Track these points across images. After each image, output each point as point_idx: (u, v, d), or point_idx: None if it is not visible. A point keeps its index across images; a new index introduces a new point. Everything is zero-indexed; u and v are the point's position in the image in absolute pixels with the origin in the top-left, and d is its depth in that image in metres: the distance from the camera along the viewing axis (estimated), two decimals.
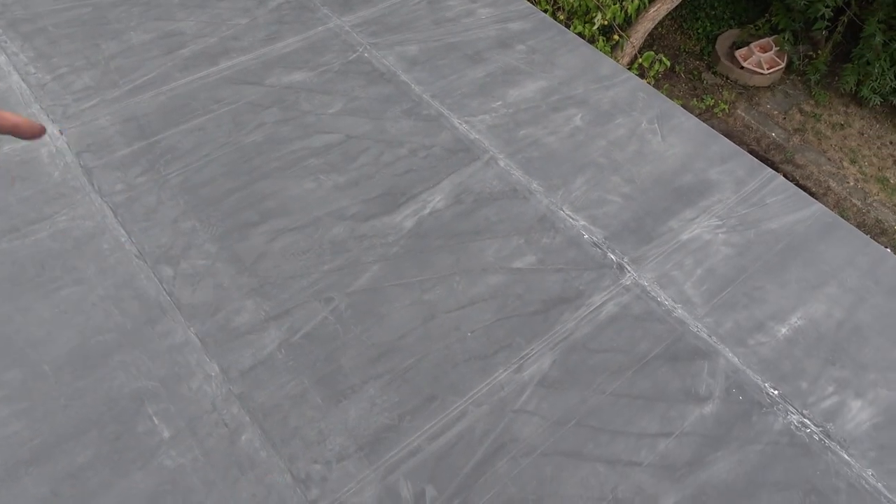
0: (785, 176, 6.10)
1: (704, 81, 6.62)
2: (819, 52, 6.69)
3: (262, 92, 2.26)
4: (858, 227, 5.95)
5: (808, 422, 1.63)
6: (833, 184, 5.91)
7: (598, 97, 2.36)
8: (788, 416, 1.64)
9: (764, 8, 7.08)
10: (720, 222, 2.02)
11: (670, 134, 2.26)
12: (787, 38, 6.48)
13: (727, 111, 6.11)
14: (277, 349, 1.66)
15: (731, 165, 2.18)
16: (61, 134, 2.04)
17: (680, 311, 1.81)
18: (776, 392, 1.68)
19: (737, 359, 1.73)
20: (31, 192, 1.93)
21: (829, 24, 6.34)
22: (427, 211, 1.98)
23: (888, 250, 2.01)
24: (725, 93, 6.40)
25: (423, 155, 2.13)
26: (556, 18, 4.54)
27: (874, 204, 5.78)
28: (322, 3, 2.60)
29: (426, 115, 2.25)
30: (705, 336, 1.76)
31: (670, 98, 6.09)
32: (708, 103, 6.07)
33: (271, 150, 2.09)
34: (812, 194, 5.97)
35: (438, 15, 2.61)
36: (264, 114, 2.20)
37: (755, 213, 2.05)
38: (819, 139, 6.35)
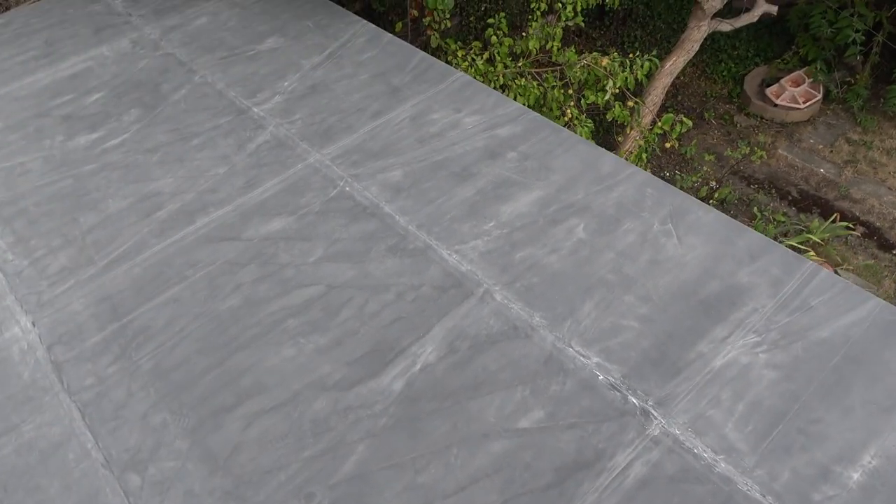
0: (842, 214, 5.63)
1: (738, 125, 6.28)
2: (857, 76, 6.29)
3: (239, 248, 2.13)
4: None
5: None
6: None
7: (602, 201, 2.13)
8: None
9: (788, 41, 6.76)
10: (759, 338, 1.72)
11: (688, 234, 2.00)
12: (819, 67, 6.14)
13: (765, 157, 5.74)
14: None
15: (764, 263, 1.90)
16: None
17: (723, 465, 1.50)
18: None
19: None
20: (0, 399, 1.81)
21: (863, 46, 5.98)
22: (418, 367, 1.76)
23: None
24: (762, 136, 6.04)
25: (412, 298, 1.93)
26: (565, 94, 4.38)
27: None
28: (301, 138, 2.50)
29: (412, 249, 2.06)
30: (758, 496, 1.45)
31: (705, 151, 5.70)
32: (743, 151, 5.72)
33: (248, 316, 1.93)
34: (878, 229, 5.47)
35: (422, 132, 2.46)
36: (241, 273, 2.05)
37: (800, 321, 1.75)
38: (874, 168, 5.87)
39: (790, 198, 5.68)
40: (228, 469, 1.61)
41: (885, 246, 5.29)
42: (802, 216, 5.56)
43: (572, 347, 1.76)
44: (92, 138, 2.64)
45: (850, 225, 5.36)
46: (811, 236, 5.11)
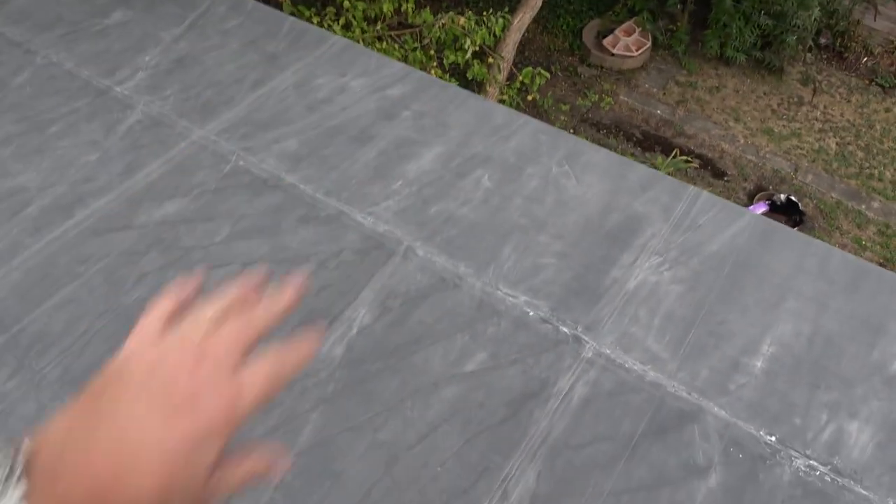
0: (680, 149, 6.24)
1: (581, 75, 6.70)
2: (678, 24, 6.92)
3: (133, 237, 1.97)
4: (759, 181, 6.16)
5: (815, 462, 1.52)
6: (725, 145, 6.10)
7: (501, 150, 2.21)
8: (794, 463, 1.52)
9: None
10: (661, 258, 1.91)
11: (584, 173, 2.14)
12: (645, 17, 6.67)
13: (612, 103, 6.19)
14: None
15: (654, 192, 2.08)
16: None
17: (652, 374, 1.67)
18: (773, 438, 1.56)
19: (724, 411, 1.60)
20: None
21: None
22: (355, 331, 1.76)
23: (830, 246, 1.95)
24: (606, 84, 6.49)
25: (334, 265, 1.90)
26: (426, 55, 4.42)
27: (767, 155, 6.00)
28: (178, 115, 2.33)
29: (325, 216, 2.03)
30: (685, 394, 1.63)
31: (558, 102, 6.08)
32: (593, 99, 6.13)
33: None
34: (710, 160, 6.14)
35: (310, 98, 2.40)
36: (143, 262, 1.91)
37: (693, 238, 1.95)
38: (701, 105, 6.54)
39: (635, 139, 6.19)
40: None
41: (718, 174, 5.94)
42: (648, 154, 6.09)
43: (500, 290, 1.84)
44: None
45: (688, 158, 5.96)
46: (658, 171, 5.62)
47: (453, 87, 2.45)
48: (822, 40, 7.63)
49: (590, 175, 2.13)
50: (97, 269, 1.90)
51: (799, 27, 6.41)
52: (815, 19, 6.21)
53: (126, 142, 2.25)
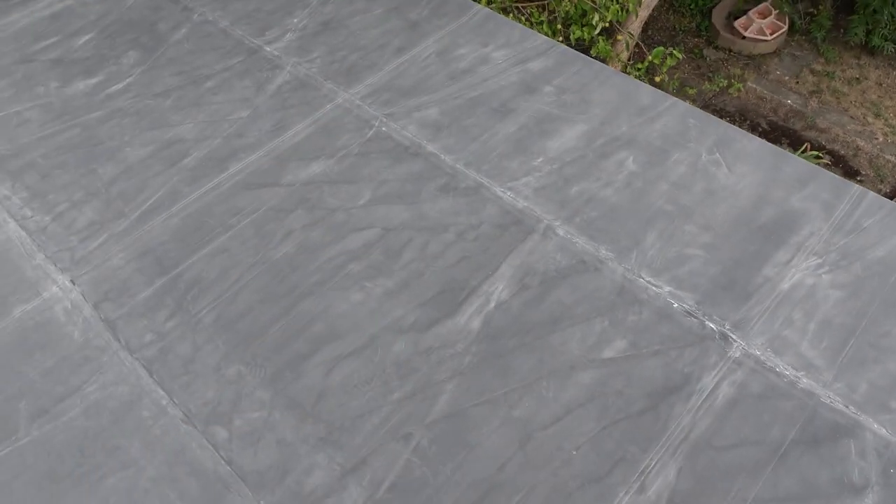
0: (810, 144, 5.83)
1: (707, 58, 6.36)
2: (820, 7, 6.42)
3: (282, 194, 2.05)
4: None
5: None
6: (861, 142, 5.65)
7: (647, 132, 2.13)
8: None
9: None
10: (820, 260, 1.79)
11: (736, 162, 2.03)
12: None
13: (742, 89, 5.85)
14: None
15: (814, 188, 1.95)
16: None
17: (805, 381, 1.57)
18: None
19: (884, 429, 1.50)
20: (53, 362, 1.72)
21: None
22: (492, 305, 1.76)
23: None
24: (733, 69, 6.14)
25: (473, 237, 1.91)
26: (553, 29, 4.31)
27: None
28: (324, 77, 2.39)
29: (465, 188, 2.03)
30: (841, 407, 1.53)
31: (683, 85, 5.76)
32: (721, 84, 5.81)
33: (307, 262, 1.87)
34: (842, 157, 5.70)
35: (452, 67, 2.39)
36: (290, 219, 1.98)
37: (856, 242, 1.82)
38: (837, 98, 6.08)
39: (760, 129, 5.84)
40: (318, 416, 1.59)
41: (850, 173, 5.53)
42: None
43: (643, 278, 1.78)
44: (91, 84, 2.46)
45: (819, 154, 5.57)
46: (818, 166, 5.28)
47: (597, 64, 2.37)
48: None
49: (742, 164, 2.02)
50: (248, 222, 1.98)
51: None
52: None
53: (275, 100, 2.33)
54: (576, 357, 1.65)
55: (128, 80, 2.45)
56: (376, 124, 2.22)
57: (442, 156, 2.11)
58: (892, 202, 1.91)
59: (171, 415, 1.61)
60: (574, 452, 1.50)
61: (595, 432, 1.53)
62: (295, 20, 2.64)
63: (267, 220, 1.98)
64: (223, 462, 1.53)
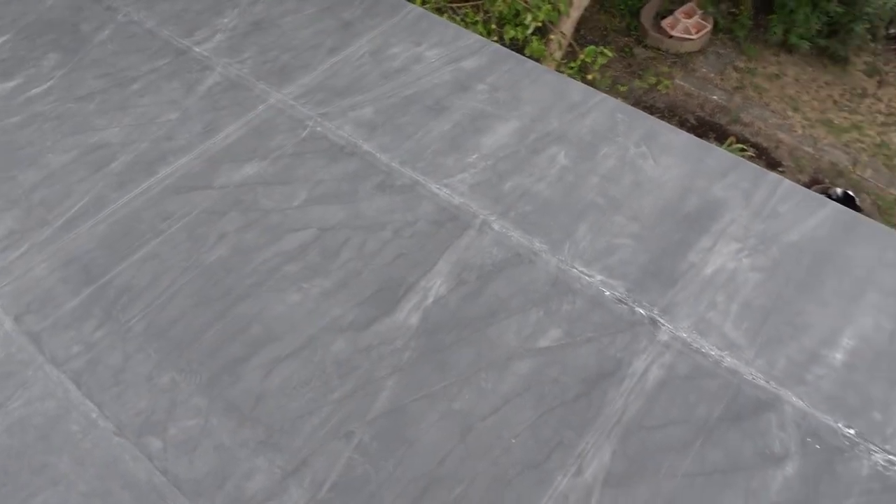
0: (736, 137, 6.10)
1: (637, 56, 6.57)
2: (741, 7, 6.72)
3: (214, 196, 2.01)
4: (815, 173, 5.99)
5: (894, 457, 1.50)
6: (782, 135, 5.94)
7: (577, 128, 2.19)
8: (872, 457, 1.50)
9: None
10: (740, 245, 1.88)
11: (662, 155, 2.11)
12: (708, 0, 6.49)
13: (670, 86, 6.07)
14: None
15: (734, 177, 2.05)
16: None
17: (729, 360, 1.65)
18: (852, 431, 1.54)
19: (801, 401, 1.59)
20: None
21: None
22: (430, 300, 1.78)
23: None
24: (661, 67, 6.36)
25: (409, 234, 1.92)
26: (488, 29, 4.37)
27: (825, 147, 5.84)
28: (256, 77, 2.36)
29: (401, 185, 2.04)
30: (763, 382, 1.61)
31: (615, 83, 5.97)
32: (650, 82, 6.01)
33: (241, 265, 1.85)
34: (765, 150, 5.99)
35: (385, 66, 2.40)
36: (223, 222, 1.95)
37: (773, 227, 1.92)
38: (759, 93, 6.38)
39: (689, 124, 6.07)
40: (257, 419, 1.57)
41: (772, 164, 5.80)
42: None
43: (575, 268, 1.83)
44: (9, 87, 2.36)
45: (744, 147, 5.82)
46: (738, 156, 5.50)
47: (529, 62, 2.42)
48: (892, 30, 7.33)
49: (668, 157, 2.10)
50: (179, 226, 1.94)
51: (871, 15, 6.18)
52: (890, 8, 5.97)
53: (206, 102, 2.29)
54: (513, 348, 1.68)
55: (48, 83, 2.36)
56: (310, 124, 2.21)
57: (378, 154, 2.12)
58: (806, 189, 2.03)
59: (102, 427, 1.57)
60: (513, 441, 1.54)
61: (532, 420, 1.56)
62: (225, 20, 2.60)
63: (199, 224, 1.95)
64: (158, 472, 1.49)
